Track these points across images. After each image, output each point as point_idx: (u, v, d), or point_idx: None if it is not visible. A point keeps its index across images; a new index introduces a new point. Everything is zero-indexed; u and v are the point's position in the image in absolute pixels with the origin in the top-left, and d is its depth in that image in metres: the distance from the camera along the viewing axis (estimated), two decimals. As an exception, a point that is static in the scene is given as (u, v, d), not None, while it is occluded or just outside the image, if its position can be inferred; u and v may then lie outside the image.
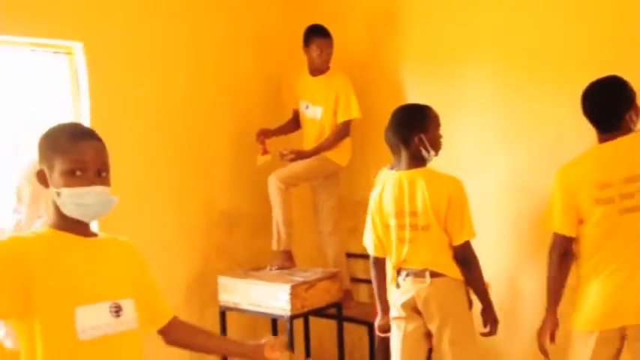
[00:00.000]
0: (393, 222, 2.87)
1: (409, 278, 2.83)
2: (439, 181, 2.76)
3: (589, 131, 3.38)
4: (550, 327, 2.66)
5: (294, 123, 4.30)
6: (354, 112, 3.98)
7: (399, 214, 2.83)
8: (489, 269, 3.02)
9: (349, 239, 4.25)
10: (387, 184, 2.91)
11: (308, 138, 4.17)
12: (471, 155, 3.76)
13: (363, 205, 4.28)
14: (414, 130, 2.78)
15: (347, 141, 4.09)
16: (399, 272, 2.90)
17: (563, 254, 2.59)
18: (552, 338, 2.68)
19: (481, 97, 3.77)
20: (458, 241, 2.76)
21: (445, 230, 2.77)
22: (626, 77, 2.91)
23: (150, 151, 3.81)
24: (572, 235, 2.56)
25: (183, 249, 3.99)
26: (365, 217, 4.31)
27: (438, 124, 2.85)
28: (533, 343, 2.76)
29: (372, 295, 4.33)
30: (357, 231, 4.28)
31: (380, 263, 3.03)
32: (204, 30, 4.11)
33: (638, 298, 2.42)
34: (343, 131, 4.04)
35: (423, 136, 2.77)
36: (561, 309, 2.68)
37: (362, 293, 4.37)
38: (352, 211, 4.21)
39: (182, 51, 3.99)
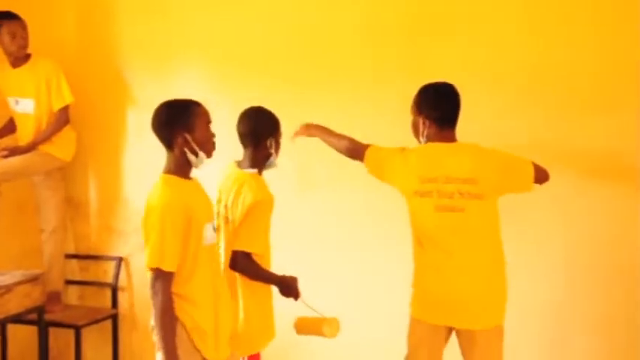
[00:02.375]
0: None
1: None
2: (153, 192, 2.34)
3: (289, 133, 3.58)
4: None
5: (11, 125, 3.90)
6: (67, 98, 3.74)
7: None
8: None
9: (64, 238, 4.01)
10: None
11: (23, 135, 3.81)
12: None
13: (75, 203, 4.07)
14: (177, 128, 2.35)
15: (70, 134, 3.85)
16: None
17: None
18: None
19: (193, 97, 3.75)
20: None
21: None
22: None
23: None
24: None
25: None
26: (76, 215, 4.11)
27: (208, 122, 2.43)
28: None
29: (82, 298, 4.12)
30: (68, 230, 4.04)
31: None
32: None
33: (465, 301, 2.48)
34: (62, 119, 3.76)
35: (188, 136, 2.34)
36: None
37: (72, 296, 4.10)
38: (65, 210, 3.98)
39: None
